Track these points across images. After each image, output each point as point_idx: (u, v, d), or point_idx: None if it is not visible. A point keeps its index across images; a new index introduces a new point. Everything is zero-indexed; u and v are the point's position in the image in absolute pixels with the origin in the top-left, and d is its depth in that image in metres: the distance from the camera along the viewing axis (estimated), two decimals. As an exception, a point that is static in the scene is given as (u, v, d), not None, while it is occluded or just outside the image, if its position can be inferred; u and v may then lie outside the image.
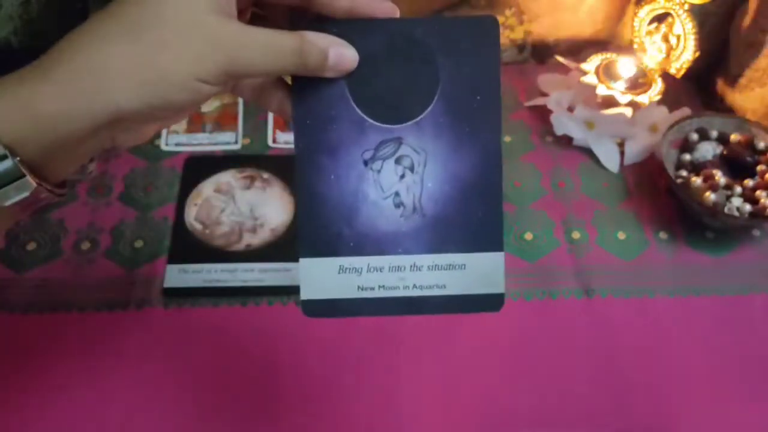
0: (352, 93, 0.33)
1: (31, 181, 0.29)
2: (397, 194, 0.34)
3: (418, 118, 0.33)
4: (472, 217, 0.34)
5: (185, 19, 0.28)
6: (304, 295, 0.34)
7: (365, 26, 0.33)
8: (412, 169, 0.34)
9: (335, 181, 0.34)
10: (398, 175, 0.34)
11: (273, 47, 0.30)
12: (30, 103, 0.28)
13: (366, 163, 0.34)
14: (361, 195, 0.34)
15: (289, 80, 0.34)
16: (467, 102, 0.33)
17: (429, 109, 0.33)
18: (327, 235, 0.34)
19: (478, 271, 0.34)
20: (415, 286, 0.34)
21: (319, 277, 0.34)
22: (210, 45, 0.29)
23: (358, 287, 0.34)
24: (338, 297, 0.34)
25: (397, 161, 0.34)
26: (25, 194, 0.30)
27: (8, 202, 0.29)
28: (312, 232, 0.34)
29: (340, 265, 0.34)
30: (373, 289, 0.34)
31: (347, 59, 0.32)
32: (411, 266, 0.34)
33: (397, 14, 0.33)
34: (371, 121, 0.33)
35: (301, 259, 0.34)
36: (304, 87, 0.33)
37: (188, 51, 0.29)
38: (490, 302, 0.34)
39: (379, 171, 0.34)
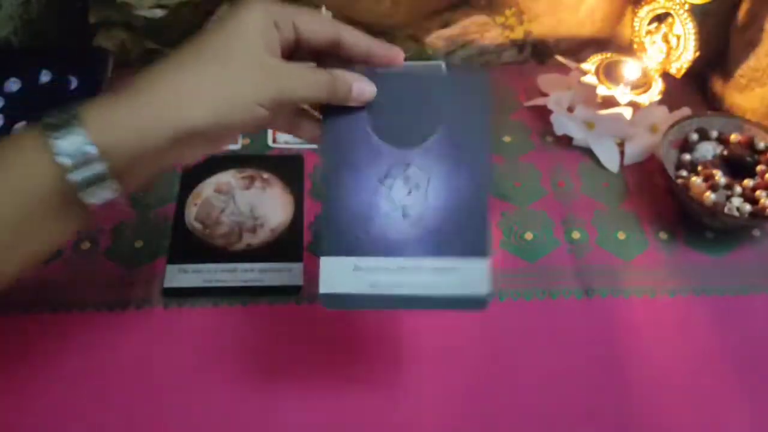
0: (371, 123, 0.41)
1: (117, 185, 0.36)
2: (404, 207, 0.41)
3: (424, 146, 0.41)
4: (464, 229, 0.41)
5: (248, 56, 0.37)
6: (323, 289, 0.40)
7: (384, 72, 0.41)
8: (417, 187, 0.41)
9: (354, 194, 0.41)
10: (406, 191, 0.41)
11: (311, 80, 0.39)
12: (123, 118, 0.35)
13: (380, 180, 0.41)
14: (375, 207, 0.41)
15: (315, 113, 0.43)
16: (463, 136, 0.41)
17: (432, 138, 0.41)
18: (346, 238, 0.40)
19: (467, 275, 0.41)
20: (416, 285, 0.40)
21: (337, 273, 0.40)
22: (266, 77, 0.37)
23: (370, 284, 0.40)
24: (353, 292, 0.40)
25: (406, 180, 0.41)
26: (110, 197, 0.36)
27: (94, 200, 0.36)
28: (333, 235, 0.40)
29: (355, 264, 0.40)
30: (382, 286, 0.40)
31: (367, 92, 0.40)
32: (414, 268, 0.40)
33: (403, 57, 0.42)
34: (386, 146, 0.41)
35: (322, 258, 0.40)
36: (332, 117, 0.41)
37: (250, 81, 0.37)
38: (476, 302, 0.41)
39: (390, 188, 0.41)
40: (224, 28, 0.37)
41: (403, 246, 0.41)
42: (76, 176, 0.34)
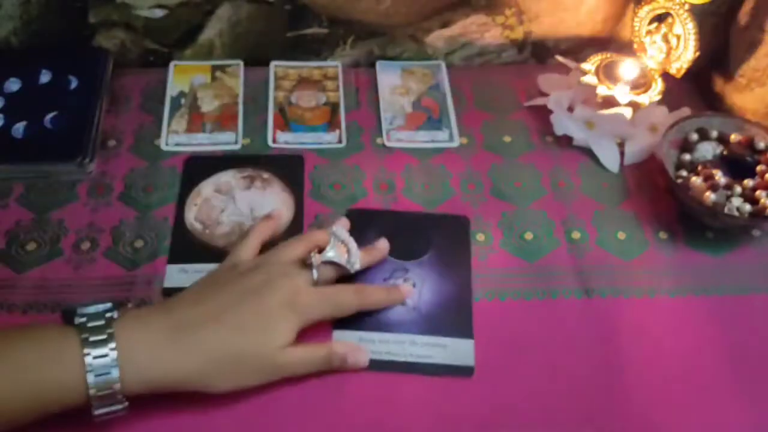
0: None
1: (126, 410, 0.43)
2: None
3: (419, 260, 0.56)
4: (452, 316, 0.53)
5: (263, 353, 0.46)
6: None
7: (390, 215, 0.59)
8: (414, 285, 0.54)
9: None
10: None
11: (309, 362, 0.48)
12: (154, 372, 0.43)
13: (384, 280, 0.55)
14: None
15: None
16: (448, 256, 0.56)
17: (425, 256, 0.56)
18: (354, 317, 0.51)
19: (455, 350, 0.51)
20: (411, 354, 0.51)
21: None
22: (274, 370, 0.47)
23: (372, 351, 0.50)
24: None
25: (405, 281, 0.55)
26: (119, 412, 0.43)
27: (103, 417, 0.42)
28: (345, 317, 0.51)
29: (360, 337, 0.51)
30: (380, 353, 0.51)
31: (361, 361, 0.50)
32: (410, 342, 0.51)
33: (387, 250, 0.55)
34: (390, 257, 0.55)
35: (334, 331, 0.51)
36: (351, 234, 0.53)
37: (260, 373, 0.46)
38: (464, 371, 0.50)
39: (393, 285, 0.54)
40: (255, 334, 0.46)
41: (400, 325, 0.52)
42: (98, 409, 0.41)
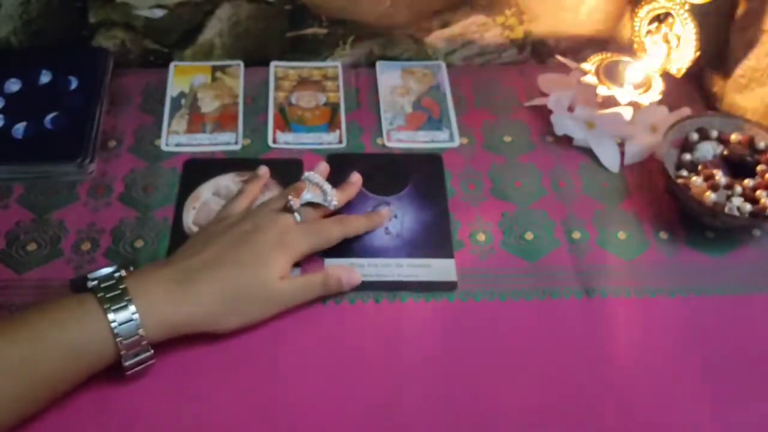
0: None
1: (153, 357, 0.47)
2: (387, 228, 0.59)
3: (399, 194, 0.61)
4: (433, 240, 0.58)
5: (264, 285, 0.50)
6: None
7: (369, 157, 0.65)
8: (396, 216, 0.60)
9: None
10: (388, 219, 0.59)
11: (308, 289, 0.52)
12: (172, 322, 0.47)
13: (368, 213, 0.59)
14: None
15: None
16: (425, 188, 0.62)
17: (405, 190, 0.62)
18: (343, 247, 0.56)
19: (438, 268, 0.56)
20: (399, 274, 0.56)
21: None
22: (275, 302, 0.51)
23: (362, 274, 0.55)
24: None
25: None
26: (147, 361, 0.47)
27: (130, 362, 0.46)
28: (334, 246, 0.55)
29: (351, 263, 0.56)
30: (372, 275, 0.55)
31: (355, 279, 0.54)
32: (396, 264, 0.56)
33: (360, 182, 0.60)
34: (372, 194, 0.61)
35: (325, 260, 0.56)
36: (335, 177, 0.59)
37: (262, 307, 0.50)
38: (448, 286, 0.55)
39: None
40: (253, 268, 0.49)
41: (386, 251, 0.57)
42: (128, 360, 0.45)
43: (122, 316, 0.44)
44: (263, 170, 0.59)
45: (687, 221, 0.60)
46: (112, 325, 0.43)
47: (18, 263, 0.55)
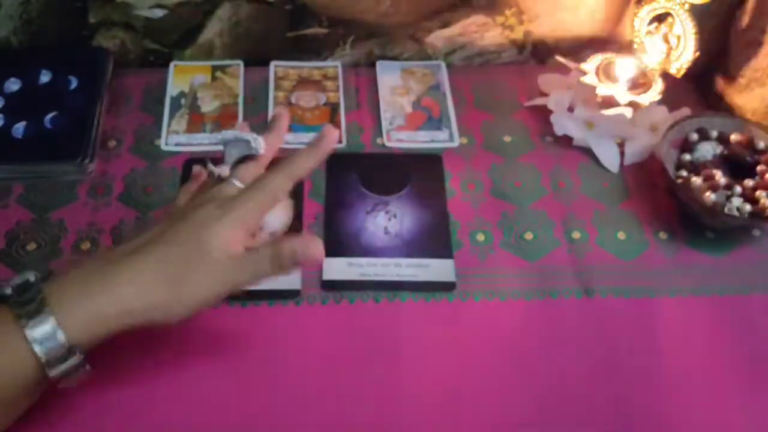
0: (361, 180, 0.62)
1: (87, 368, 0.40)
2: (385, 228, 0.59)
3: (398, 194, 0.61)
4: (432, 241, 0.58)
5: (206, 258, 0.41)
6: (325, 276, 0.55)
7: (369, 157, 0.65)
8: (395, 216, 0.59)
9: (348, 221, 0.59)
10: (387, 219, 0.59)
11: (257, 261, 0.43)
12: (98, 316, 0.39)
13: (367, 213, 0.59)
14: (364, 228, 0.59)
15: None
16: (424, 189, 0.61)
17: (404, 190, 0.61)
18: (342, 245, 0.57)
19: (437, 269, 0.56)
20: (398, 274, 0.56)
21: (336, 267, 0.55)
22: (221, 280, 0.42)
23: (360, 274, 0.55)
24: (346, 278, 0.55)
25: (386, 213, 0.60)
26: (82, 377, 0.40)
27: (67, 384, 0.40)
28: (333, 245, 0.57)
29: (348, 262, 0.56)
30: (368, 275, 0.55)
31: (314, 252, 0.43)
32: (395, 264, 0.56)
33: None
34: (371, 194, 0.61)
35: (325, 258, 0.53)
36: (332, 177, 0.62)
37: (207, 285, 0.41)
38: (447, 286, 0.55)
39: (375, 217, 0.59)
40: (191, 242, 0.42)
41: (385, 251, 0.57)
42: (53, 369, 0.38)
43: (42, 331, 0.38)
44: (197, 170, 0.52)
45: (687, 221, 0.60)
46: (31, 342, 0.38)
47: (18, 263, 0.55)
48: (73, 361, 0.39)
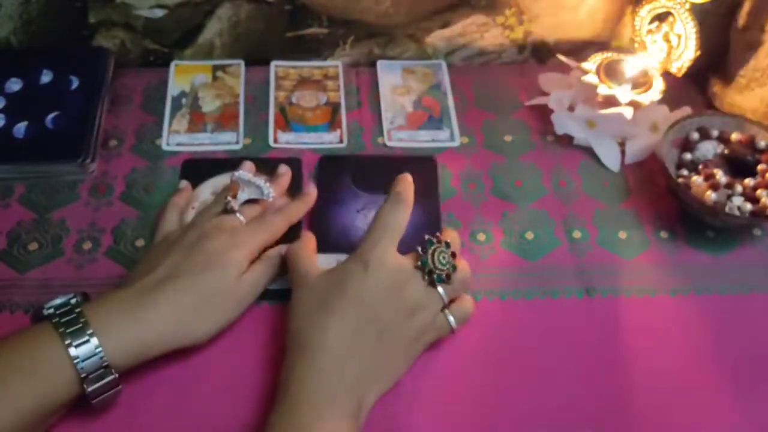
0: (353, 180, 0.62)
1: (119, 386, 0.45)
2: None
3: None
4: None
5: (225, 286, 0.49)
6: None
7: (361, 159, 0.64)
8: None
9: (339, 218, 0.59)
10: None
11: (267, 266, 0.52)
12: (129, 332, 0.44)
13: (358, 211, 0.59)
14: (354, 227, 0.58)
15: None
16: (417, 191, 0.53)
17: None
18: (332, 243, 0.56)
19: None
20: None
21: (325, 263, 0.51)
22: (239, 297, 0.50)
23: None
24: None
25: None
26: (110, 384, 0.44)
27: (99, 400, 0.44)
28: (324, 241, 0.55)
29: (337, 260, 0.51)
30: None
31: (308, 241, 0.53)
32: None
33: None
34: (362, 192, 0.61)
35: (318, 255, 0.53)
36: (325, 176, 0.62)
37: (228, 306, 0.49)
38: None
39: (366, 215, 0.59)
40: (210, 271, 0.48)
41: None
42: (91, 386, 0.43)
43: (84, 350, 0.42)
44: (184, 184, 0.59)
45: (687, 220, 0.61)
46: (74, 359, 0.42)
47: (19, 263, 0.55)
48: (109, 379, 0.43)
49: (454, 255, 0.49)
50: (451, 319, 0.49)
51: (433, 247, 0.48)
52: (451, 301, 0.50)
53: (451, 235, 0.51)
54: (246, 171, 0.57)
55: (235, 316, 0.49)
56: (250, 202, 0.55)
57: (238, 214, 0.53)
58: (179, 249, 0.49)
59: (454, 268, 0.49)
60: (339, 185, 0.61)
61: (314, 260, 0.51)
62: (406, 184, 0.52)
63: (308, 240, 0.53)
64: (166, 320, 0.45)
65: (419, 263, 0.48)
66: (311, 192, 0.58)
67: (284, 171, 0.60)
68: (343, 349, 0.44)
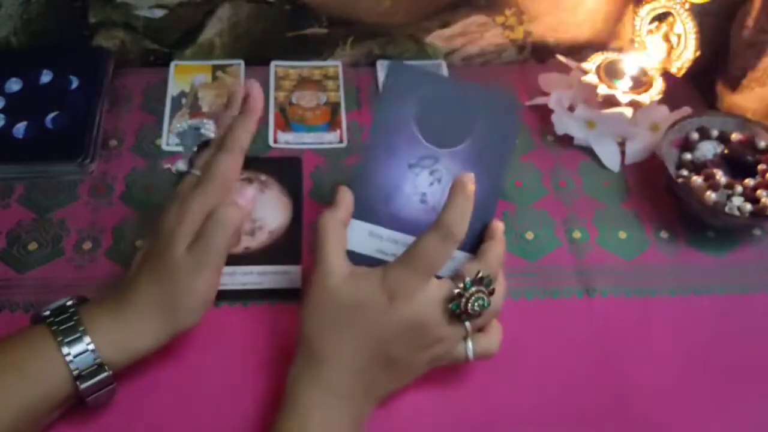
0: (415, 118, 0.48)
1: (114, 385, 0.44)
2: (424, 194, 0.47)
3: (454, 149, 0.48)
4: (470, 228, 0.43)
5: (170, 263, 0.44)
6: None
7: (439, 79, 0.52)
8: (440, 181, 0.47)
9: (385, 172, 0.47)
10: (429, 182, 0.47)
11: (209, 237, 0.45)
12: (124, 338, 0.43)
13: (410, 166, 0.47)
14: (400, 188, 0.47)
15: None
16: (488, 150, 0.47)
17: (462, 146, 0.48)
18: (368, 207, 0.47)
19: (458, 264, 0.45)
20: None
21: (354, 234, 0.46)
22: (188, 270, 0.44)
23: (378, 249, 0.47)
24: (361, 252, 0.47)
25: (431, 173, 0.47)
26: (109, 392, 0.44)
27: (93, 399, 0.43)
28: (359, 202, 0.46)
29: (370, 231, 0.46)
30: (386, 253, 0.46)
31: (249, 198, 0.49)
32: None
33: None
34: (422, 140, 0.47)
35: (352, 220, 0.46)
36: (389, 101, 0.48)
37: (184, 283, 0.44)
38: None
39: (417, 175, 0.47)
40: (157, 253, 0.45)
41: (413, 226, 0.46)
42: (84, 384, 0.42)
43: (77, 348, 0.42)
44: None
45: (687, 221, 0.61)
46: (67, 358, 0.42)
47: (19, 262, 0.55)
48: (102, 376, 0.42)
49: (492, 292, 0.43)
50: (470, 351, 0.45)
51: (470, 291, 0.42)
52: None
53: (495, 252, 0.45)
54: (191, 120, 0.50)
55: (206, 286, 0.45)
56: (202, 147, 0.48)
57: (193, 171, 0.48)
58: (150, 236, 0.47)
59: (489, 304, 0.43)
60: (398, 121, 0.48)
61: (344, 247, 0.45)
62: (463, 209, 0.42)
63: (343, 205, 0.45)
64: (147, 313, 0.44)
65: (450, 306, 0.43)
66: (252, 91, 0.48)
67: (238, 90, 0.49)
68: (352, 373, 0.43)
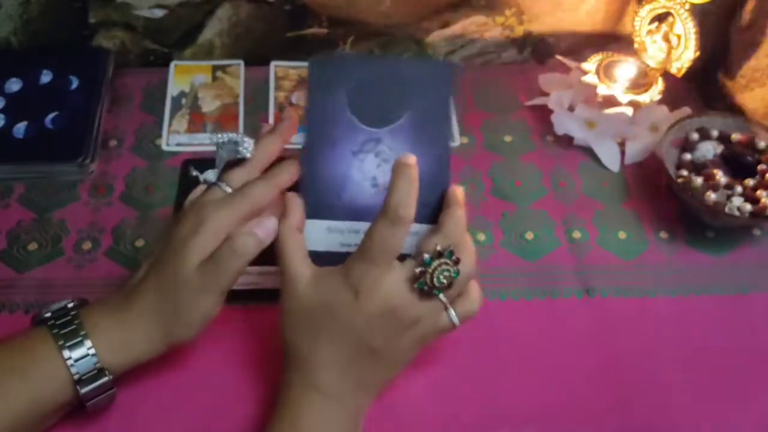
0: (349, 104, 0.46)
1: (114, 390, 0.44)
2: (374, 178, 0.46)
3: (392, 127, 0.46)
4: (425, 200, 0.43)
5: (179, 281, 0.43)
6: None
7: (364, 62, 0.49)
8: (387, 161, 0.46)
9: (331, 165, 0.46)
10: (376, 164, 0.46)
11: (218, 265, 0.44)
12: (125, 343, 0.43)
13: (354, 154, 0.46)
14: (349, 177, 0.46)
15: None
16: (426, 122, 0.46)
17: (401, 120, 0.46)
18: (322, 204, 0.45)
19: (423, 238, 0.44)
20: None
21: (313, 234, 0.45)
22: (196, 291, 0.43)
23: (341, 243, 0.45)
24: (325, 250, 0.45)
25: (376, 155, 0.46)
26: (109, 397, 0.44)
27: (94, 403, 0.43)
28: (311, 202, 0.45)
29: (328, 227, 0.45)
30: (350, 245, 0.45)
31: (269, 228, 0.44)
32: None
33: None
34: (360, 125, 0.46)
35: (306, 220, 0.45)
36: (317, 97, 0.46)
37: (190, 302, 0.44)
38: None
39: (362, 161, 0.46)
40: (168, 265, 0.44)
41: (370, 212, 0.43)
42: (84, 388, 0.42)
43: (78, 352, 0.42)
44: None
45: (687, 221, 0.61)
46: (68, 362, 0.41)
47: (19, 262, 0.55)
48: (102, 381, 0.42)
49: (457, 261, 0.42)
50: (454, 317, 0.44)
51: (432, 266, 0.41)
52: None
53: (454, 218, 0.44)
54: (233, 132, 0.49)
55: (210, 309, 0.44)
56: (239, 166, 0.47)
57: (221, 184, 0.46)
58: (160, 241, 0.46)
59: (457, 273, 0.42)
60: (332, 111, 0.46)
61: (303, 251, 0.45)
62: (407, 189, 0.42)
63: (295, 214, 0.45)
64: (147, 320, 0.43)
65: (416, 285, 0.42)
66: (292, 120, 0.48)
67: (289, 114, 0.50)
68: (337, 371, 0.43)
